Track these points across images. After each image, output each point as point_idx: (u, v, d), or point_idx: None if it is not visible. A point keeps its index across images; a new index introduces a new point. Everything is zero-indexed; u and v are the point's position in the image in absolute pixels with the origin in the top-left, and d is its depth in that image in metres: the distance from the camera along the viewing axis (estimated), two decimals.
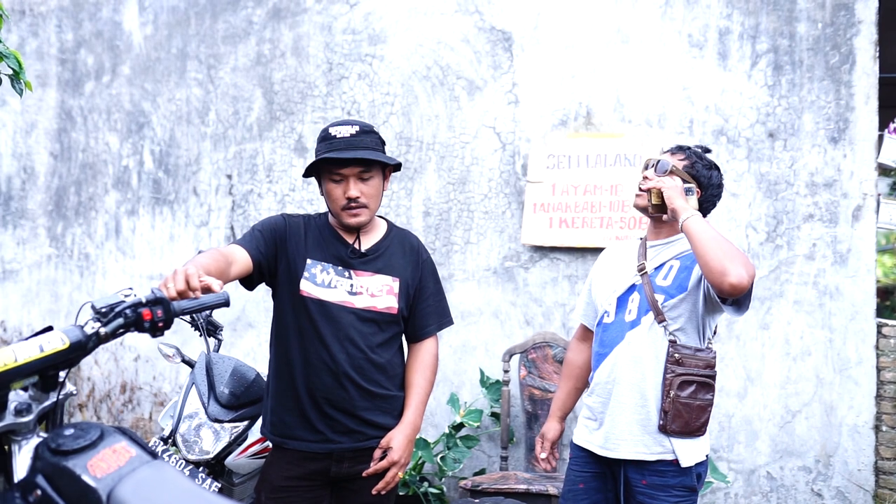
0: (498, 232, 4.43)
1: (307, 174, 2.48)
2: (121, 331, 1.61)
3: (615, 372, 2.56)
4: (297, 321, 2.45)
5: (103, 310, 1.61)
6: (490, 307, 4.43)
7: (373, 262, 2.50)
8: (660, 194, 2.53)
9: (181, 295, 1.80)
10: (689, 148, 2.65)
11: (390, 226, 2.61)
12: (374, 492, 2.45)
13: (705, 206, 2.63)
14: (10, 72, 2.25)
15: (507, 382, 4.16)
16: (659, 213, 2.57)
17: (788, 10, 3.99)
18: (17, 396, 1.52)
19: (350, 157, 2.37)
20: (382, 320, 2.48)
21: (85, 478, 1.35)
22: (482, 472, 4.32)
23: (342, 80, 4.81)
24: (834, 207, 3.89)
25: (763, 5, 4.03)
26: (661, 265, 2.58)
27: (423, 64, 4.62)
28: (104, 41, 5.54)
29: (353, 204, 2.42)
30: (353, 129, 2.42)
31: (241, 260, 2.32)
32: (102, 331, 1.58)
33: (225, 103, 5.13)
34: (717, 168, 2.65)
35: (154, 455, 1.45)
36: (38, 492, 1.36)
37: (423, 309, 2.58)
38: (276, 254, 2.45)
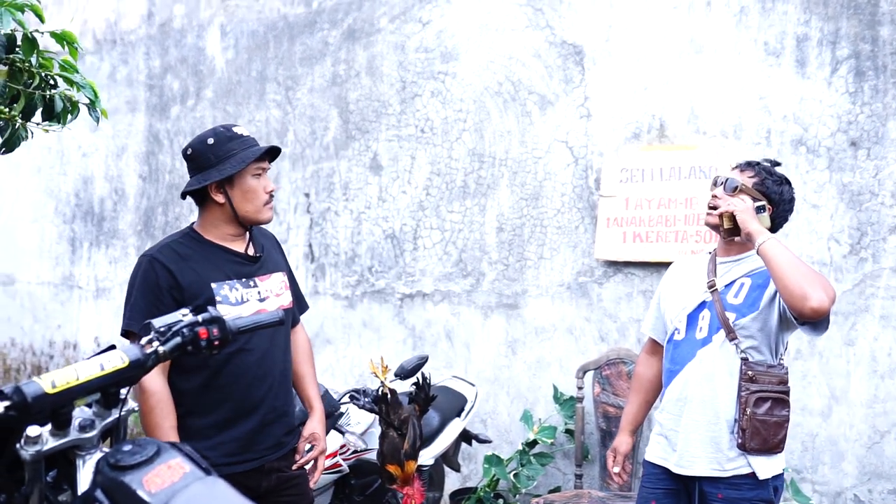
0: (571, 247, 4.39)
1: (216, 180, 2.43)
2: (178, 349, 1.67)
3: (687, 389, 2.55)
4: None
5: (162, 329, 1.66)
6: (564, 323, 4.39)
7: (265, 263, 2.54)
8: (732, 217, 2.48)
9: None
10: (757, 164, 2.60)
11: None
12: (312, 484, 2.56)
13: (777, 222, 2.59)
14: (87, 101, 2.35)
15: (580, 399, 4.11)
16: (732, 237, 2.53)
17: (870, 13, 3.85)
18: (81, 413, 1.58)
19: (271, 148, 2.49)
20: (287, 319, 2.52)
21: (140, 493, 1.40)
22: (557, 489, 4.27)
23: (415, 97, 4.87)
24: None
25: (843, 10, 3.90)
26: (732, 282, 2.56)
27: (494, 80, 4.64)
28: (188, 66, 5.75)
29: (272, 197, 2.50)
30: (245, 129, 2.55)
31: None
32: (161, 349, 1.64)
33: (302, 123, 5.25)
34: (788, 182, 2.60)
35: (207, 471, 1.49)
36: None
37: (294, 295, 2.66)
38: (175, 303, 2.30)
